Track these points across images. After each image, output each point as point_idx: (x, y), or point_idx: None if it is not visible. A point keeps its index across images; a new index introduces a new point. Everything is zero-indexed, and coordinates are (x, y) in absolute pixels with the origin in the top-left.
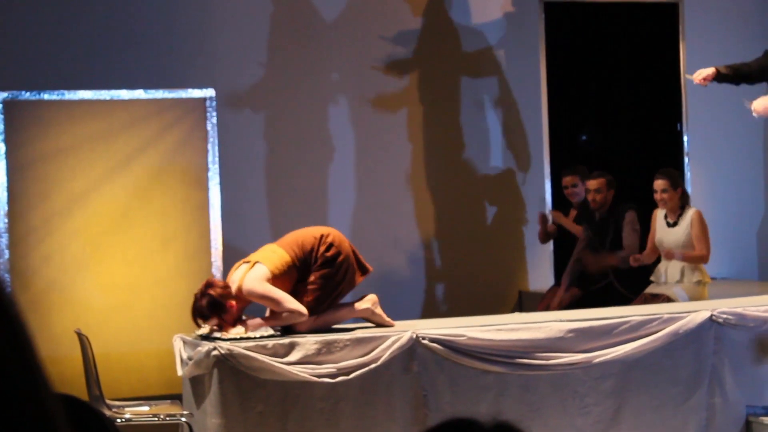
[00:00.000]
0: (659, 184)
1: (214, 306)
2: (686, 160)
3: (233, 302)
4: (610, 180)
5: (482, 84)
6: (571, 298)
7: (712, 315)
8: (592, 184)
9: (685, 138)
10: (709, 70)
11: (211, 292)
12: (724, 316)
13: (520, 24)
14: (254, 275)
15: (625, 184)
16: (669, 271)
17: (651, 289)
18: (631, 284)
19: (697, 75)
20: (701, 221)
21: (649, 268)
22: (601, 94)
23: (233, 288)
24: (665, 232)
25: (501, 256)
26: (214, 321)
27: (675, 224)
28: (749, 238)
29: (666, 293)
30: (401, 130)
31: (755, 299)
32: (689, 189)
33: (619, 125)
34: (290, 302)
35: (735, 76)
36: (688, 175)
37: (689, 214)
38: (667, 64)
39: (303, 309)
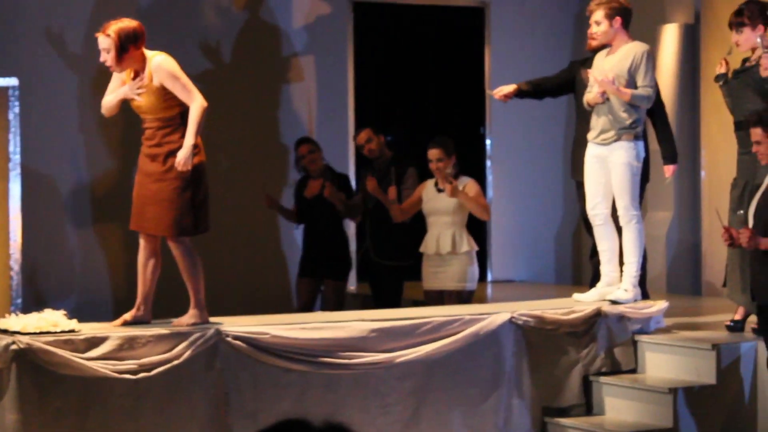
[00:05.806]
0: (434, 153)
1: (130, 36)
2: (488, 163)
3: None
4: (374, 129)
5: (290, 88)
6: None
7: (512, 317)
8: (362, 137)
9: (488, 141)
10: (510, 87)
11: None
12: (524, 318)
13: (329, 24)
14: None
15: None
16: (440, 241)
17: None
18: (388, 253)
19: (497, 91)
20: (477, 186)
21: (407, 239)
22: (407, 96)
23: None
24: (435, 199)
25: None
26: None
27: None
28: (547, 241)
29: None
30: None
31: (554, 302)
32: (490, 193)
33: (424, 127)
34: (196, 92)
35: (536, 92)
36: (489, 178)
37: (463, 182)
38: (472, 67)
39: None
